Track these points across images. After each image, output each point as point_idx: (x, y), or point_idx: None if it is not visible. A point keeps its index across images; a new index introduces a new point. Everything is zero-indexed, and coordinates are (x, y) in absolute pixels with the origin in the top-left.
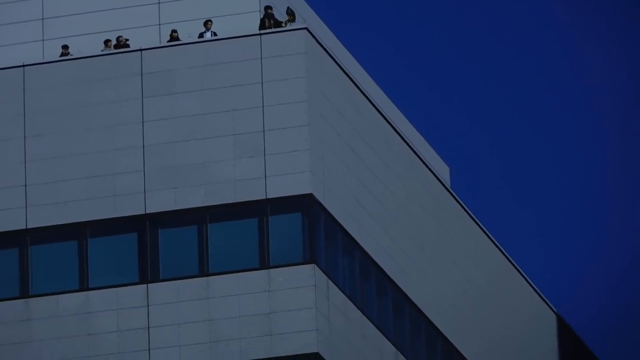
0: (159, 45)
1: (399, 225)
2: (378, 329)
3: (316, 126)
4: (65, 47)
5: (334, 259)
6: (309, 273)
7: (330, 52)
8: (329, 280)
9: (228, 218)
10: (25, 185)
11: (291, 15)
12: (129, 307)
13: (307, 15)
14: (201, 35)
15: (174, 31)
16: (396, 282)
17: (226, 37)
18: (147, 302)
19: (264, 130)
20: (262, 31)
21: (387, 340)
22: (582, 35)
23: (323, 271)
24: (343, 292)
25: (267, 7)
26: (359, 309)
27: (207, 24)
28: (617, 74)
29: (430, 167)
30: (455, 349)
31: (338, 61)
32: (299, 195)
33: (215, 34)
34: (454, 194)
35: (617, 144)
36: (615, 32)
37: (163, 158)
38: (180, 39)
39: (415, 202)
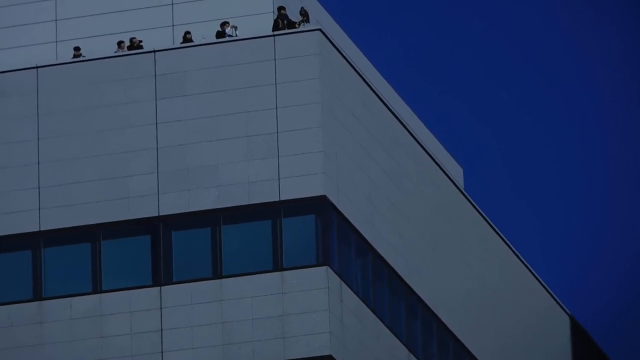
0: (172, 47)
1: (412, 227)
2: (391, 330)
3: (329, 128)
4: (77, 48)
5: (347, 261)
6: (322, 275)
7: (343, 53)
8: (342, 283)
9: (241, 220)
10: (39, 188)
11: (305, 15)
12: (142, 309)
13: (320, 17)
14: (221, 32)
15: (187, 32)
16: (409, 283)
17: (239, 38)
18: (160, 304)
19: (277, 132)
20: (275, 32)
21: (400, 342)
22: (599, 40)
23: (336, 273)
24: (356, 294)
25: (280, 8)
26: (372, 311)
27: (224, 25)
28: (633, 76)
29: (443, 168)
30: (468, 350)
31: (351, 62)
32: (312, 197)
33: (235, 28)
34: (467, 195)
35: (631, 145)
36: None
37: (176, 160)
38: (194, 40)
39: (428, 203)
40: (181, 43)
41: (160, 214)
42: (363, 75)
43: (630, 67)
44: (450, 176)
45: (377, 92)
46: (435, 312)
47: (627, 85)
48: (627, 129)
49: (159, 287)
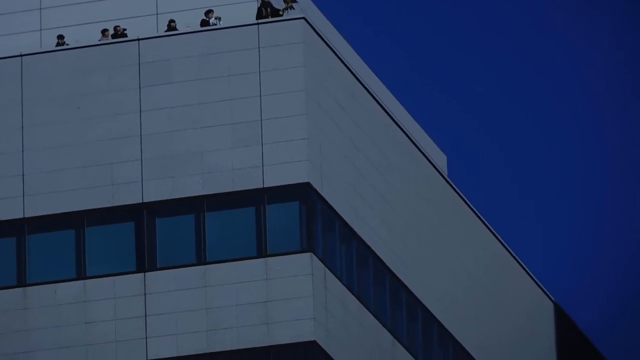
0: (156, 35)
1: (396, 213)
2: (375, 317)
3: (314, 115)
4: (60, 37)
5: (331, 248)
6: (306, 262)
7: (327, 41)
8: (326, 269)
9: (225, 207)
10: (23, 175)
11: (289, 1)
12: (126, 295)
13: (304, 5)
14: (205, 22)
15: (171, 21)
16: (393, 270)
17: (224, 26)
18: (144, 290)
19: (261, 120)
20: (259, 20)
21: (384, 329)
22: (576, 27)
23: (320, 260)
24: (340, 280)
25: None
26: (356, 297)
27: (208, 13)
28: (615, 67)
29: (427, 155)
30: (452, 336)
31: (336, 50)
32: (297, 184)
33: (219, 19)
34: (451, 182)
35: (615, 134)
36: (612, 28)
37: (160, 147)
38: (178, 28)
39: (412, 190)
40: (165, 31)
41: (145, 201)
42: (347, 63)
43: (618, 56)
44: (435, 164)
45: (361, 80)
46: (420, 299)
47: (618, 76)
48: (616, 118)
49: (143, 274)
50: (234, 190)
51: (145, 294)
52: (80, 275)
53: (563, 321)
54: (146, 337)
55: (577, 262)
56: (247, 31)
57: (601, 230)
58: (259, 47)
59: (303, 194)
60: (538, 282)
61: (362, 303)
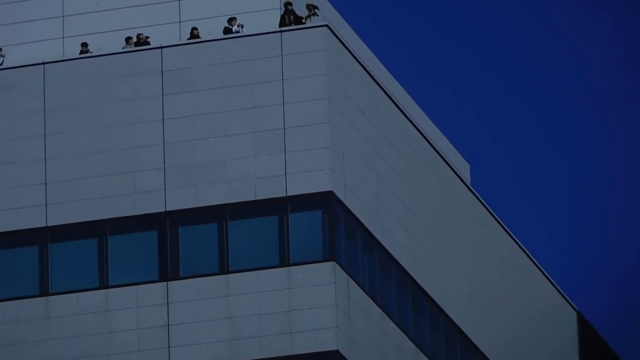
0: (179, 43)
1: (419, 222)
2: (398, 326)
3: (336, 123)
4: (84, 44)
5: (354, 257)
6: (329, 271)
7: (350, 49)
8: (349, 278)
9: (248, 216)
10: (46, 183)
11: (312, 8)
12: (148, 304)
13: (327, 13)
14: (227, 30)
15: (194, 29)
16: (416, 279)
17: (246, 34)
18: (167, 299)
19: (284, 128)
20: (282, 28)
21: (407, 337)
22: (601, 38)
23: (343, 269)
24: (363, 289)
25: (287, 4)
26: (379, 306)
27: (231, 21)
28: (629, 73)
29: (450, 164)
30: (475, 345)
31: (358, 58)
32: (319, 192)
33: (242, 27)
34: (474, 191)
35: (632, 139)
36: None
37: (183, 155)
38: (201, 36)
39: (435, 199)
40: (188, 39)
41: (167, 210)
42: (370, 71)
43: (629, 62)
44: (457, 172)
45: (384, 88)
46: (442, 307)
47: (628, 81)
48: (630, 123)
49: (165, 283)
50: (257, 199)
51: (168, 303)
52: (103, 284)
53: (586, 331)
54: (169, 347)
55: (599, 270)
56: (270, 39)
57: (625, 238)
58: (281, 55)
59: (326, 203)
60: (560, 290)
61: (384, 312)
